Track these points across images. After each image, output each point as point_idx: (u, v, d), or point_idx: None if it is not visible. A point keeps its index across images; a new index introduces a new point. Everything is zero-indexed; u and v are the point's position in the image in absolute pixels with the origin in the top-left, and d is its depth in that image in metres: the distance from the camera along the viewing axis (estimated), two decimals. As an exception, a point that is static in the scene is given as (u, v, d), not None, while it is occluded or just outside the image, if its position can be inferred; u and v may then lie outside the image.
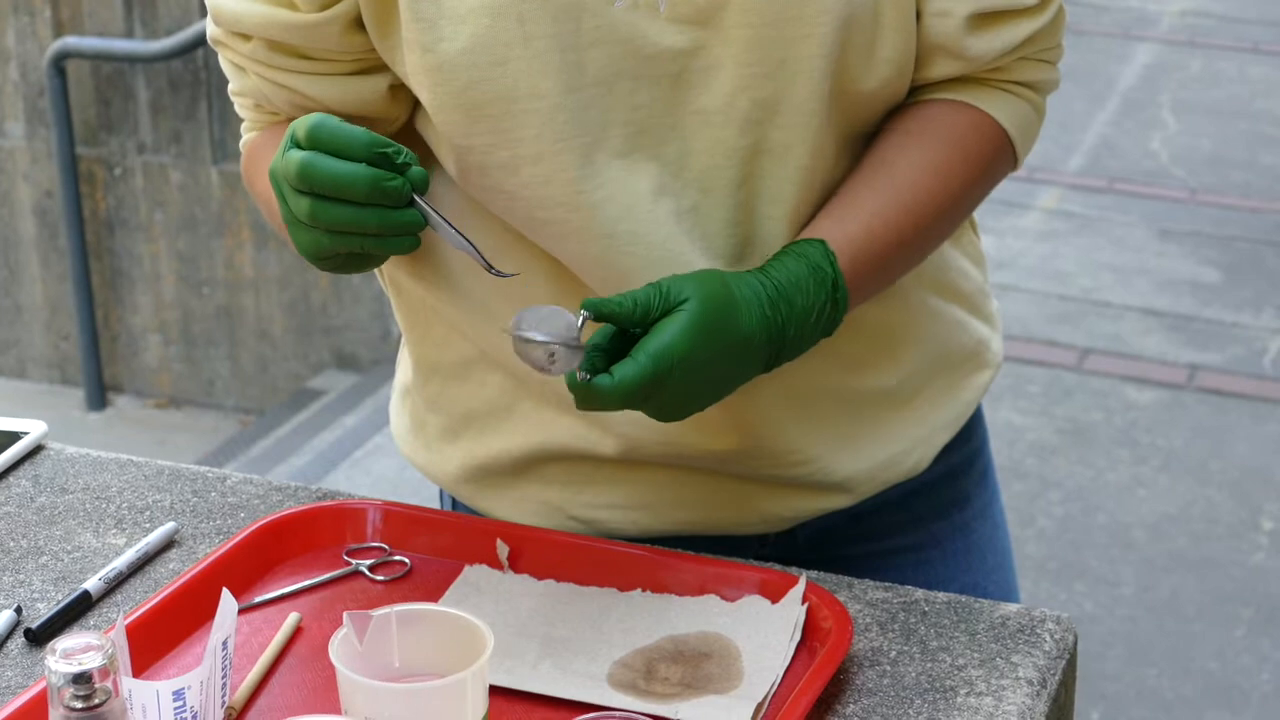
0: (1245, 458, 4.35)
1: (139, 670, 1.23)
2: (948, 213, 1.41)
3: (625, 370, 1.24)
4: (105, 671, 1.03)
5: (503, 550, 1.38)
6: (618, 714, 1.19)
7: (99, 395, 5.17)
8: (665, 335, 1.25)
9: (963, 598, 1.36)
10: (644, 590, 1.36)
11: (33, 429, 1.60)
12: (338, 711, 1.12)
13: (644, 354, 1.24)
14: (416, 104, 1.41)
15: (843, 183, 1.39)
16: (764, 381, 1.37)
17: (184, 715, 1.13)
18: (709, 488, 1.47)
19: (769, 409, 1.41)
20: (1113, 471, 4.30)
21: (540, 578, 1.37)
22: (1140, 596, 3.79)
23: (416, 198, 1.26)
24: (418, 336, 1.52)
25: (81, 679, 1.03)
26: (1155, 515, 4.11)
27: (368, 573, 1.39)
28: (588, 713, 1.20)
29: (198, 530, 1.46)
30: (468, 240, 1.28)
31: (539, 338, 1.23)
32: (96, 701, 1.03)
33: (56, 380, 5.35)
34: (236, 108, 1.49)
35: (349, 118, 1.39)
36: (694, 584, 1.35)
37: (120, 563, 1.39)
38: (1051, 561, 3.89)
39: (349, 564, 1.40)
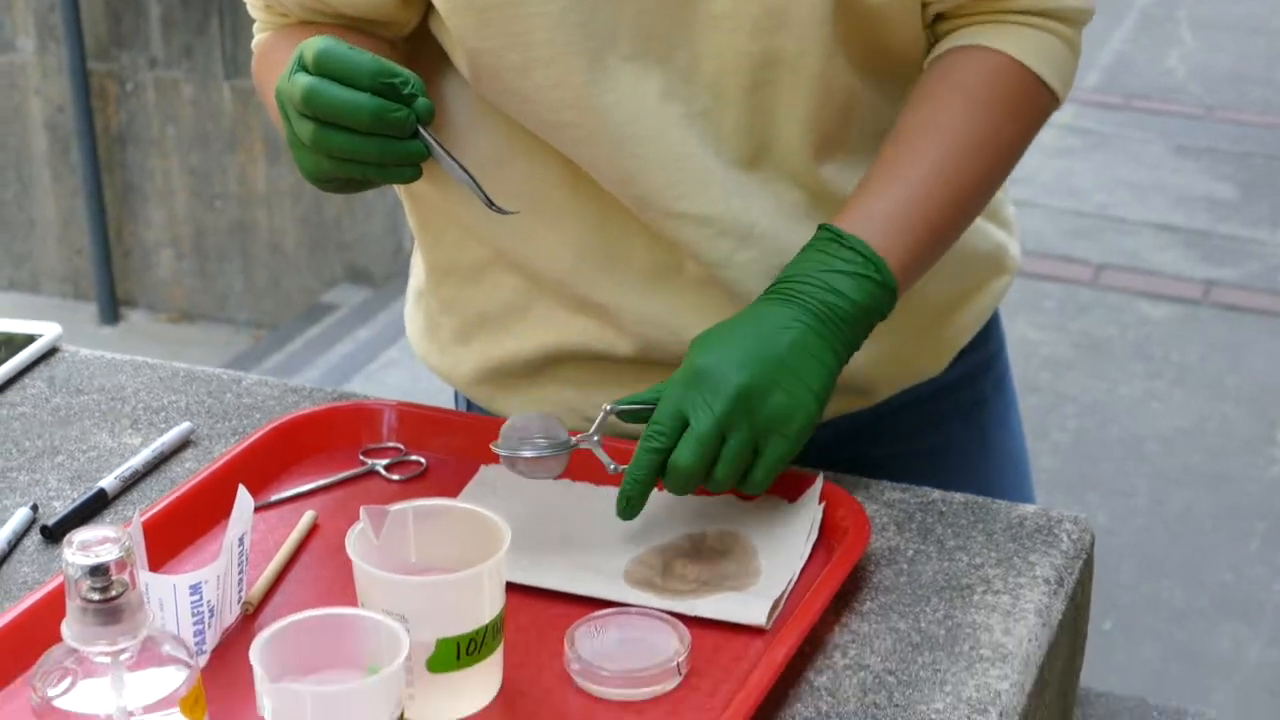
0: (1261, 373, 4.34)
1: (155, 567, 1.23)
2: (984, 159, 1.37)
3: (653, 418, 1.27)
4: (122, 564, 1.03)
5: (519, 449, 1.37)
6: (634, 610, 1.19)
7: (112, 309, 5.17)
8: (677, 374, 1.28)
9: (980, 499, 1.36)
10: (660, 489, 1.35)
11: (47, 331, 1.60)
12: (355, 605, 1.12)
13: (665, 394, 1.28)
14: (429, 7, 1.40)
15: (884, 147, 1.37)
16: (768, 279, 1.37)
17: (200, 610, 1.13)
18: None
19: None
20: (1127, 386, 4.29)
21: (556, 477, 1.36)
22: (1154, 509, 3.79)
23: (421, 129, 1.24)
24: (431, 240, 1.51)
25: (98, 571, 1.02)
26: (1170, 429, 4.10)
27: (383, 472, 1.39)
28: (604, 609, 1.20)
29: (213, 431, 1.46)
30: (469, 175, 1.27)
31: (526, 453, 1.28)
32: (114, 594, 1.02)
33: (70, 294, 5.35)
34: (248, 7, 1.47)
35: (360, 21, 1.38)
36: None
37: (136, 461, 1.38)
38: (1066, 474, 3.89)
39: (365, 464, 1.40)
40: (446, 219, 1.47)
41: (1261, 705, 3.20)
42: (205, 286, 5.15)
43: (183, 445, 1.43)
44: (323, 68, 1.22)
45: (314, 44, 1.23)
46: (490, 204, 1.27)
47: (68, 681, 1.04)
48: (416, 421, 1.43)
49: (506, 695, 1.13)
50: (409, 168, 1.27)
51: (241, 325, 5.15)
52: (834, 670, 1.16)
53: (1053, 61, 1.39)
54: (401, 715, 1.02)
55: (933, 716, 1.12)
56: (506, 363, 1.49)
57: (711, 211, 1.37)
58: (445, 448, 1.41)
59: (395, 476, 1.38)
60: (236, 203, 5.00)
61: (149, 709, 1.04)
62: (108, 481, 1.36)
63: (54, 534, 1.30)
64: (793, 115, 1.35)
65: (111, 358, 1.58)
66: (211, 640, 1.15)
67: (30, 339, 1.59)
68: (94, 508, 1.33)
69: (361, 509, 1.13)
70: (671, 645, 1.16)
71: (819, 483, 1.32)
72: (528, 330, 1.46)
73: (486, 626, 1.10)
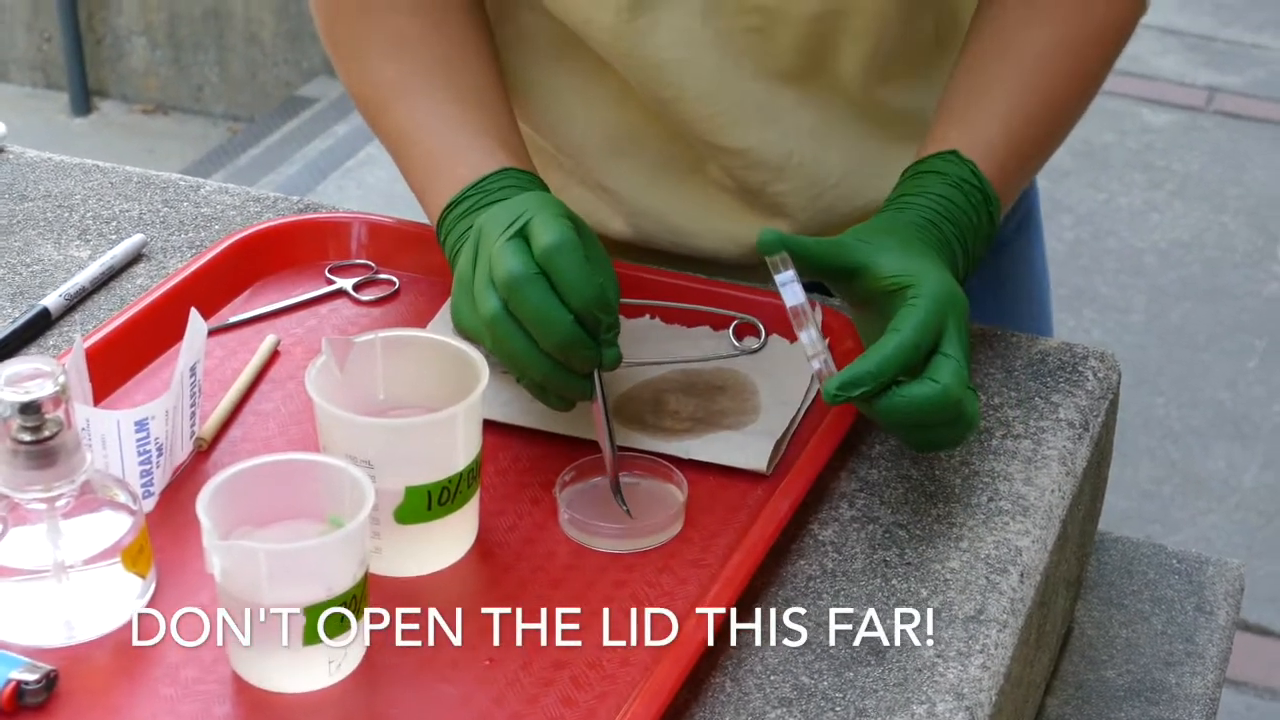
0: (1263, 184, 4.23)
1: (101, 396, 1.12)
2: (1081, 87, 1.26)
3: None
4: (57, 400, 0.92)
5: (499, 271, 1.27)
6: (629, 455, 1.09)
7: (84, 100, 5.02)
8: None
9: (998, 329, 1.25)
10: (651, 317, 1.25)
11: (-9, 130, 1.48)
12: (316, 444, 1.02)
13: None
14: None
15: (962, 72, 1.23)
16: (802, 208, 1.32)
17: (148, 448, 1.03)
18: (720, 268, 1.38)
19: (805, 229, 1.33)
20: (1126, 195, 4.18)
21: (540, 301, 1.26)
22: (1150, 324, 3.70)
23: (596, 373, 1.08)
24: None
25: (30, 409, 0.92)
26: (1168, 241, 4.00)
27: (352, 292, 1.28)
28: (593, 451, 1.09)
29: (168, 243, 1.34)
30: (613, 455, 1.08)
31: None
32: (47, 434, 0.93)
33: (40, 84, 5.19)
34: None
35: None
36: (704, 315, 1.24)
37: (83, 278, 1.27)
38: (1061, 287, 3.79)
39: (331, 282, 1.29)
40: None
41: (1255, 529, 3.13)
42: (180, 77, 5.00)
43: (134, 259, 1.32)
44: (549, 262, 1.04)
45: (551, 229, 1.05)
46: (618, 492, 1.07)
47: (-3, 530, 0.95)
48: (389, 236, 1.32)
49: (482, 546, 1.04)
50: (562, 400, 1.10)
51: (217, 118, 5.00)
52: (840, 522, 1.07)
53: None
54: (366, 571, 0.93)
55: (948, 576, 1.02)
56: None
57: (746, 144, 1.29)
58: (419, 265, 1.30)
59: (365, 297, 1.28)
60: (211, -11, 4.84)
61: (89, 561, 0.95)
62: (51, 300, 1.24)
63: (-9, 357, 1.20)
64: (858, 46, 1.26)
65: (60, 160, 1.46)
66: (160, 482, 1.05)
67: (-28, 139, 1.47)
68: (35, 329, 1.22)
69: (324, 340, 1.03)
70: (671, 494, 1.06)
71: (818, 312, 1.20)
72: None
73: (461, 473, 1.00)
